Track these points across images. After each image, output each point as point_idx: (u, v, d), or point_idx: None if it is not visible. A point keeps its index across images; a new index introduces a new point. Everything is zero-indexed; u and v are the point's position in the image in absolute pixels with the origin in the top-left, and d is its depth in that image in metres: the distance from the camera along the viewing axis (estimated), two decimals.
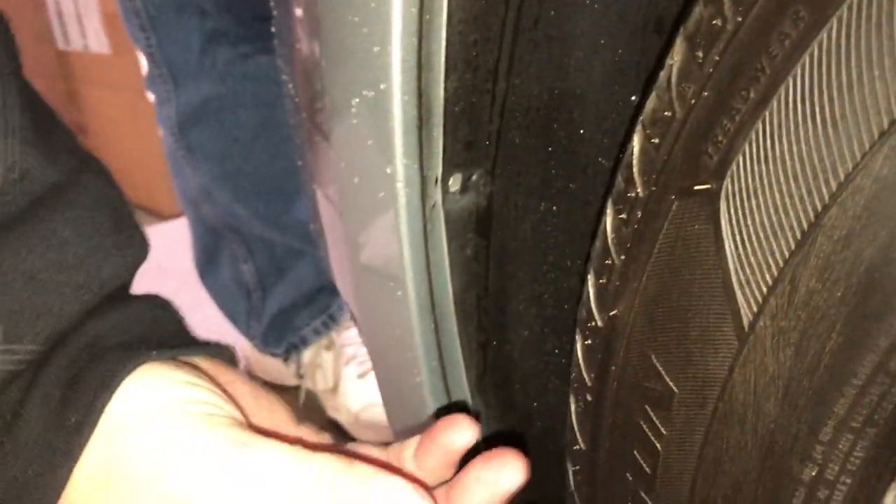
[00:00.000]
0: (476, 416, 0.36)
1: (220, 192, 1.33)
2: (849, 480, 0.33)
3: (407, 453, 0.37)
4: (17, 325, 0.31)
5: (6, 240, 0.32)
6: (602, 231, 0.40)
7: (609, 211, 0.39)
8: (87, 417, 0.31)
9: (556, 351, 0.64)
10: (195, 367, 0.35)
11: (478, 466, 0.35)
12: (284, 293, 1.43)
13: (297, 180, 1.44)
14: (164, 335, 0.36)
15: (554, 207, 0.58)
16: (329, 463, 0.31)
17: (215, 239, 1.40)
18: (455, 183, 0.53)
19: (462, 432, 0.35)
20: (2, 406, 0.32)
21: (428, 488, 0.35)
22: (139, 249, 0.37)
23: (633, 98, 0.51)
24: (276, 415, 0.39)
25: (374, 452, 0.39)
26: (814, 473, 0.34)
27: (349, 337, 1.49)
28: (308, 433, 0.39)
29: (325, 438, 0.39)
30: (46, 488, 0.31)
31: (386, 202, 0.52)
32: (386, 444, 0.39)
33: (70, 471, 0.31)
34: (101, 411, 0.31)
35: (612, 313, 0.39)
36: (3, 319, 0.31)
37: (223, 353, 0.38)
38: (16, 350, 0.31)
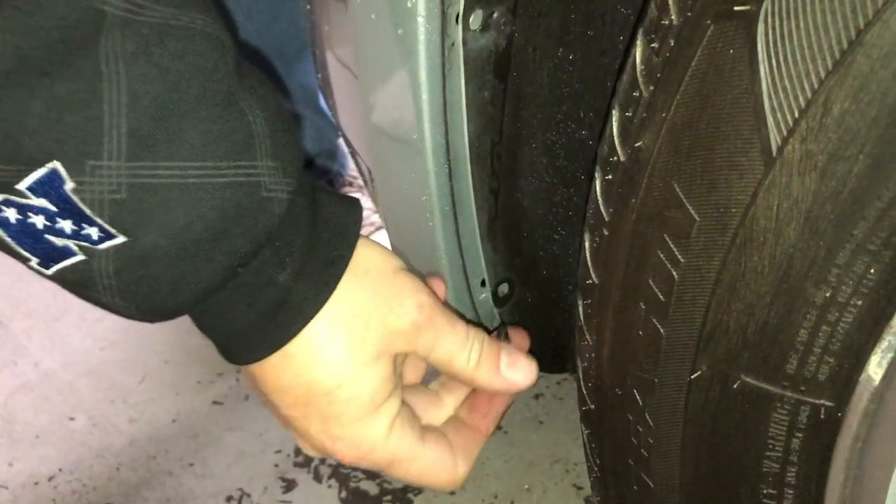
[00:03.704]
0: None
1: None
2: (860, 302, 0.35)
3: None
4: (290, 162, 0.38)
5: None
6: (630, 63, 0.40)
7: (639, 42, 0.39)
8: (343, 256, 0.41)
9: (564, 203, 0.64)
10: None
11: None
12: None
13: (297, 44, 1.41)
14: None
15: (571, 55, 0.57)
16: None
17: None
18: (476, 20, 0.52)
19: None
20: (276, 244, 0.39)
21: None
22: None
23: None
24: None
25: None
26: (827, 296, 0.35)
27: None
28: None
29: None
30: (305, 311, 0.39)
31: (404, 40, 0.51)
32: None
33: (329, 294, 0.40)
34: (353, 252, 0.41)
35: (636, 145, 0.39)
36: (281, 157, 0.37)
37: None
38: (289, 182, 0.38)
